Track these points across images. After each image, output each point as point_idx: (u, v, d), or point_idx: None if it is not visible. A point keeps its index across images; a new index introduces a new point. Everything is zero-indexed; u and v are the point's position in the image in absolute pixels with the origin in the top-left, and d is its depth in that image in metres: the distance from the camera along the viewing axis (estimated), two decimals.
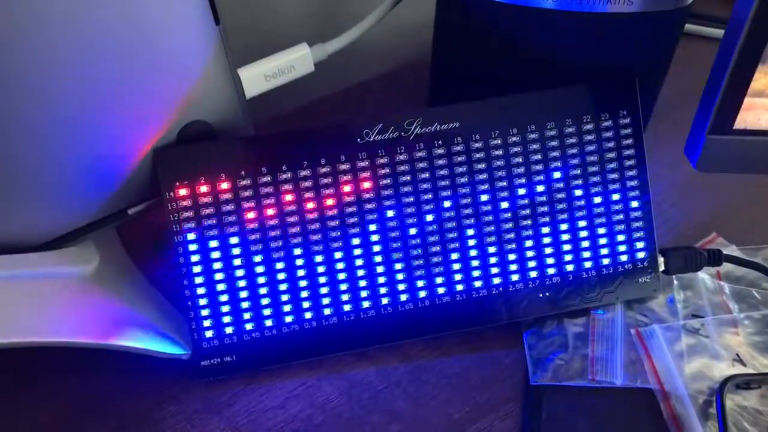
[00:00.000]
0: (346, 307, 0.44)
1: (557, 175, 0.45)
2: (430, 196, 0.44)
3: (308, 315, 0.44)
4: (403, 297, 0.44)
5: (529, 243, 0.45)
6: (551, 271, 0.45)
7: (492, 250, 0.45)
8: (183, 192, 0.41)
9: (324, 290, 0.44)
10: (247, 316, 0.43)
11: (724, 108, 0.39)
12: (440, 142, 0.43)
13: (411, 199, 0.43)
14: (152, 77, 0.38)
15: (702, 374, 0.43)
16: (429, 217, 0.44)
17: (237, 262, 0.42)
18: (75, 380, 0.44)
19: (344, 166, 0.43)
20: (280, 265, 0.43)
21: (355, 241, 0.43)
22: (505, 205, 0.44)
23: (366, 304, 0.44)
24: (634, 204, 0.45)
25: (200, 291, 0.42)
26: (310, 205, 0.43)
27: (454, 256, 0.44)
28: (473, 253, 0.44)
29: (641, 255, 0.46)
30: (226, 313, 0.43)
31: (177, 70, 0.39)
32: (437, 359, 0.45)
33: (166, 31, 0.37)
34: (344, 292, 0.44)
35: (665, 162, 0.51)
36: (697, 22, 0.69)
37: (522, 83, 0.44)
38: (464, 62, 0.50)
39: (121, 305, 0.43)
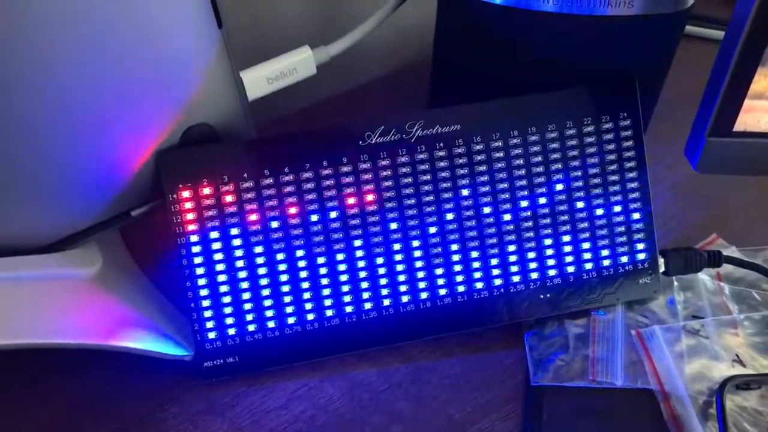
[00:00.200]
0: (348, 309, 0.44)
1: (558, 176, 0.45)
2: (432, 197, 0.44)
3: (310, 316, 0.44)
4: (405, 298, 0.44)
5: (530, 244, 0.45)
6: (552, 272, 0.45)
7: (493, 251, 0.45)
8: (186, 194, 0.42)
9: (326, 291, 0.44)
10: (249, 317, 0.43)
11: (723, 110, 0.39)
12: (441, 144, 0.44)
13: (412, 201, 0.44)
14: (155, 80, 0.38)
15: (702, 375, 0.43)
16: (430, 219, 0.44)
17: (239, 263, 0.43)
18: (77, 381, 0.44)
19: (346, 168, 0.43)
20: (282, 267, 0.43)
21: (357, 242, 0.44)
22: (506, 206, 0.44)
23: (368, 306, 0.44)
24: (635, 205, 0.46)
25: (203, 292, 0.43)
26: (312, 207, 0.43)
27: (456, 257, 0.44)
28: (474, 254, 0.45)
29: (641, 256, 0.46)
30: (228, 315, 0.43)
31: (180, 72, 0.39)
32: (438, 360, 0.45)
33: (168, 34, 0.37)
34: (346, 293, 0.44)
35: (665, 163, 0.51)
36: (698, 24, 0.69)
37: (523, 85, 0.44)
38: (465, 64, 0.51)
39: (124, 307, 0.43)
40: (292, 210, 0.43)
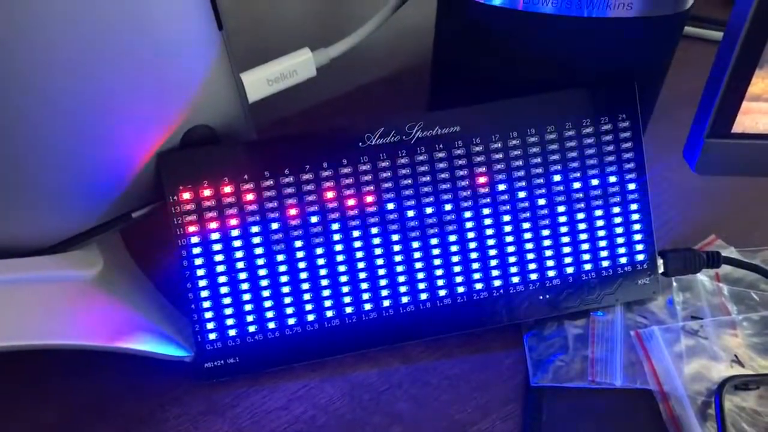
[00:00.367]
0: (348, 309, 0.44)
1: (557, 177, 0.45)
2: (431, 199, 0.44)
3: (311, 317, 0.44)
4: (405, 299, 0.45)
5: (529, 245, 0.45)
6: (551, 273, 0.46)
7: (493, 252, 0.45)
8: (186, 196, 0.42)
9: (326, 292, 0.44)
10: (250, 318, 0.43)
11: (722, 112, 0.39)
12: (441, 145, 0.44)
13: (412, 202, 0.44)
14: (155, 82, 0.38)
15: (701, 375, 0.43)
16: (430, 220, 0.44)
17: (240, 264, 0.43)
18: (78, 382, 0.44)
19: (346, 170, 0.43)
20: (282, 268, 0.43)
21: (357, 243, 0.44)
22: (505, 207, 0.45)
23: (368, 306, 0.44)
24: (634, 206, 0.46)
25: (203, 294, 0.43)
26: (312, 209, 0.43)
27: (456, 258, 0.45)
28: (474, 255, 0.45)
29: (640, 257, 0.46)
30: (229, 316, 0.43)
31: (180, 74, 0.39)
32: (438, 361, 0.45)
33: (169, 37, 0.37)
34: (346, 294, 0.44)
35: (664, 164, 0.52)
36: (697, 25, 0.69)
37: (522, 87, 0.44)
38: (465, 66, 0.51)
39: (124, 308, 0.43)
40: (292, 211, 0.43)
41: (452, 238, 0.44)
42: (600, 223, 0.46)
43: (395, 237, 0.44)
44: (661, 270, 0.47)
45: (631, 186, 0.46)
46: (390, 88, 0.65)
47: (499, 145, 0.44)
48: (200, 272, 0.43)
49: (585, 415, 0.42)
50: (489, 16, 0.47)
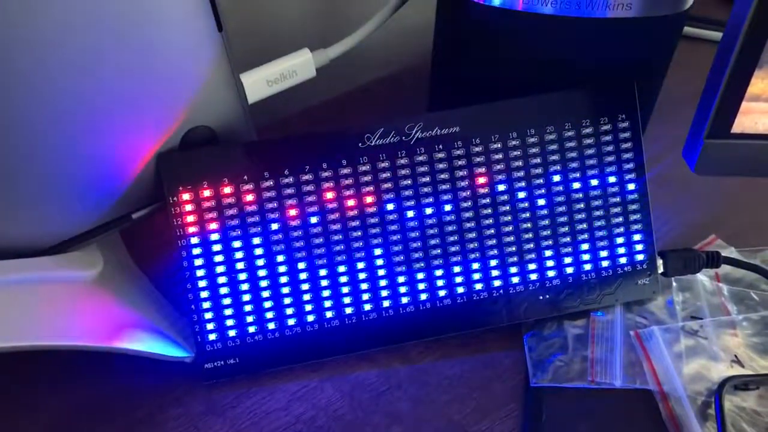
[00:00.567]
0: (348, 310, 0.44)
1: (557, 178, 0.45)
2: (431, 199, 0.44)
3: (310, 318, 0.44)
4: (405, 299, 0.45)
5: (529, 245, 0.45)
6: (551, 273, 0.46)
7: (492, 252, 0.45)
8: (186, 196, 0.42)
9: (326, 293, 0.44)
10: (249, 319, 0.43)
11: (721, 112, 0.39)
12: (441, 146, 0.44)
13: (412, 202, 0.44)
14: (156, 83, 0.38)
15: (700, 375, 0.43)
16: (430, 221, 0.44)
17: (240, 265, 0.43)
18: (78, 383, 0.44)
19: (346, 171, 0.43)
20: (282, 269, 0.43)
21: (357, 244, 0.44)
22: (504, 208, 0.45)
23: (367, 307, 0.44)
24: (633, 206, 0.46)
25: (203, 294, 0.43)
26: (312, 209, 0.43)
27: (455, 258, 0.45)
28: (474, 255, 0.45)
29: (640, 257, 0.46)
30: (229, 316, 0.43)
31: (180, 76, 0.39)
32: (438, 361, 0.45)
33: (169, 38, 0.37)
34: (346, 294, 0.44)
35: (664, 165, 0.52)
36: (696, 25, 0.69)
37: (521, 88, 0.44)
38: (464, 67, 0.51)
39: (124, 309, 0.43)
40: (292, 212, 0.43)
41: (452, 238, 0.44)
42: (600, 223, 0.46)
43: (395, 237, 0.44)
44: (660, 270, 0.47)
45: (631, 186, 0.46)
46: (389, 88, 0.65)
47: (499, 145, 0.44)
48: (200, 273, 0.43)
49: (585, 415, 0.42)
50: (488, 16, 0.47)
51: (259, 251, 0.43)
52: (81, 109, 0.37)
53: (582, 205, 0.45)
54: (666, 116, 0.54)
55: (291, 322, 0.44)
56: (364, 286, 0.44)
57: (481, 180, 0.44)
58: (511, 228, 0.45)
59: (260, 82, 0.45)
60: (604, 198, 0.45)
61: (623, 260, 0.46)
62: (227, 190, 0.42)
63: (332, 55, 0.48)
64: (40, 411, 0.43)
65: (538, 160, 0.45)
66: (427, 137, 0.44)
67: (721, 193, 0.55)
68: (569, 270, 0.46)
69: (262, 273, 0.43)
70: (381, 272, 0.44)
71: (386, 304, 0.44)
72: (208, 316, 0.43)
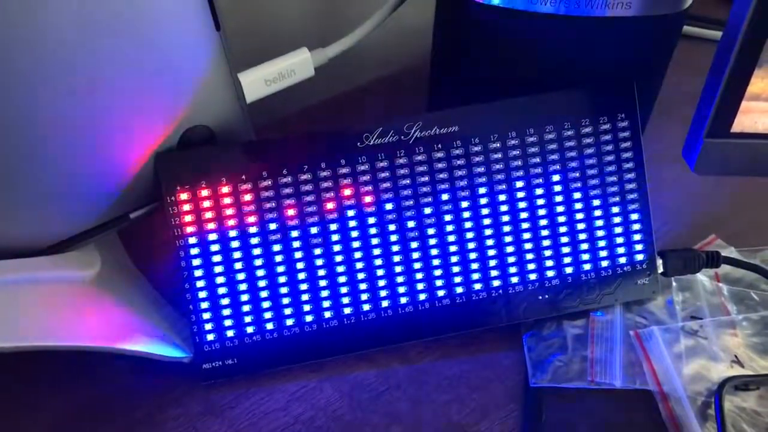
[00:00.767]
0: (347, 310, 0.44)
1: (556, 178, 0.45)
2: (430, 199, 0.44)
3: (309, 318, 0.44)
4: (403, 299, 0.44)
5: (528, 245, 0.45)
6: (550, 273, 0.45)
7: (492, 252, 0.45)
8: (184, 196, 0.42)
9: (324, 293, 0.44)
10: (248, 319, 0.43)
11: (721, 112, 0.39)
12: (440, 145, 0.44)
13: (411, 202, 0.44)
14: (153, 83, 0.38)
15: (700, 376, 0.43)
16: (429, 221, 0.44)
17: (238, 265, 0.43)
18: (76, 384, 0.44)
19: (344, 170, 0.43)
20: (280, 269, 0.43)
21: (356, 244, 0.44)
22: (504, 208, 0.45)
23: (366, 307, 0.44)
24: (633, 206, 0.46)
25: (201, 294, 0.43)
26: (311, 209, 0.43)
27: (454, 258, 0.45)
28: (473, 255, 0.45)
29: (640, 257, 0.46)
30: (227, 316, 0.43)
31: (178, 75, 0.39)
32: (437, 361, 0.45)
33: (167, 37, 0.37)
34: (345, 295, 0.44)
35: (663, 164, 0.51)
36: (696, 24, 0.69)
37: (521, 87, 0.44)
38: (463, 66, 0.51)
39: (122, 309, 0.43)
40: (291, 212, 0.43)
41: (451, 238, 0.44)
42: (599, 222, 0.46)
43: (394, 237, 0.44)
44: (660, 270, 0.47)
45: (630, 186, 0.45)
46: (388, 88, 0.65)
47: (498, 145, 0.44)
48: (198, 273, 0.42)
49: (584, 415, 0.42)
50: (488, 15, 0.46)
51: (257, 251, 0.43)
52: (78, 109, 0.37)
53: (581, 205, 0.45)
54: (665, 115, 0.54)
55: (289, 322, 0.44)
56: (362, 286, 0.44)
57: (480, 179, 0.44)
58: (510, 228, 0.45)
59: (258, 82, 0.45)
60: (603, 197, 0.45)
61: (623, 260, 0.46)
62: (225, 189, 0.42)
63: (331, 54, 0.48)
64: (40, 411, 0.43)
65: (537, 160, 0.44)
66: (426, 137, 0.43)
67: (721, 192, 0.55)
68: (568, 270, 0.46)
69: (260, 273, 0.43)
70: (380, 272, 0.44)
71: (385, 304, 0.44)
72: (207, 316, 0.43)
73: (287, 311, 0.44)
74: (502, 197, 0.44)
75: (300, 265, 0.43)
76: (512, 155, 0.44)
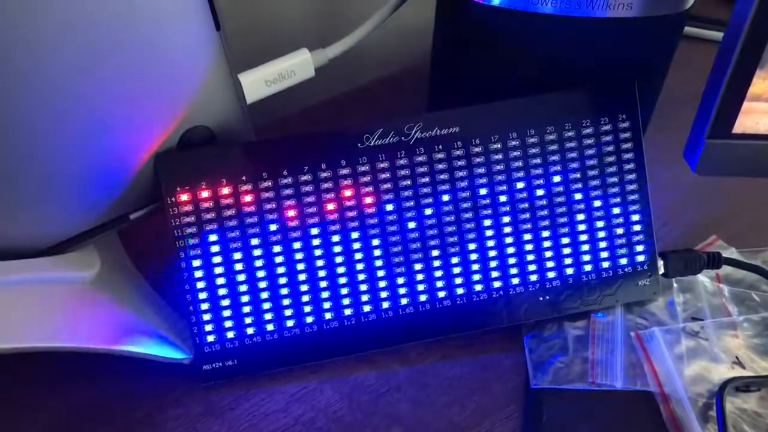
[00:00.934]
0: (347, 311, 0.44)
1: (557, 178, 0.45)
2: (431, 200, 0.44)
3: (309, 319, 0.44)
4: (404, 300, 0.44)
5: (529, 246, 0.45)
6: (551, 274, 0.45)
7: (492, 253, 0.45)
8: (184, 197, 0.42)
9: (325, 294, 0.44)
10: (248, 320, 0.43)
11: (722, 112, 0.39)
12: (440, 146, 0.43)
13: (411, 203, 0.44)
14: (153, 83, 0.38)
15: (701, 377, 0.43)
16: (429, 221, 0.44)
17: (238, 266, 0.43)
18: (75, 385, 0.44)
19: (345, 171, 0.43)
20: (281, 270, 0.43)
21: (356, 245, 0.44)
22: (505, 208, 0.44)
23: (367, 308, 0.44)
24: (634, 207, 0.46)
25: (202, 295, 0.43)
26: (311, 210, 0.43)
27: (455, 259, 0.44)
28: (474, 256, 0.45)
29: (641, 258, 0.46)
30: (227, 318, 0.43)
31: (178, 75, 0.39)
32: (438, 362, 0.45)
33: (166, 38, 0.37)
34: (345, 296, 0.44)
35: (664, 165, 0.51)
36: (697, 25, 0.69)
37: (521, 88, 0.44)
38: (464, 67, 0.51)
39: (122, 310, 0.43)
40: (291, 212, 0.43)
41: (451, 239, 0.44)
42: (600, 223, 0.45)
43: (394, 238, 0.44)
44: (661, 271, 0.46)
45: (631, 186, 0.45)
46: (389, 88, 0.65)
47: (499, 145, 0.44)
48: (198, 274, 0.42)
49: (585, 416, 0.42)
50: (488, 16, 0.46)
51: (257, 252, 0.43)
52: (79, 109, 0.37)
53: (582, 206, 0.45)
54: (667, 116, 0.54)
55: (290, 323, 0.44)
56: (363, 287, 0.44)
57: (481, 180, 0.44)
58: (511, 228, 0.45)
59: (259, 82, 0.44)
60: (604, 198, 0.45)
61: (624, 261, 0.46)
62: (225, 190, 0.42)
63: (331, 55, 0.48)
64: (39, 412, 0.43)
65: (538, 161, 0.44)
66: (426, 137, 0.43)
67: (722, 193, 0.55)
68: (569, 271, 0.45)
69: (260, 274, 0.43)
70: (380, 273, 0.44)
71: (385, 305, 0.44)
72: (207, 317, 0.43)
73: (287, 312, 0.43)
74: (502, 198, 0.44)
75: (300, 266, 0.43)
76: (513, 156, 0.44)
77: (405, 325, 0.45)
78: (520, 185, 0.44)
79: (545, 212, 0.45)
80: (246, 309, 0.43)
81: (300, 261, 0.43)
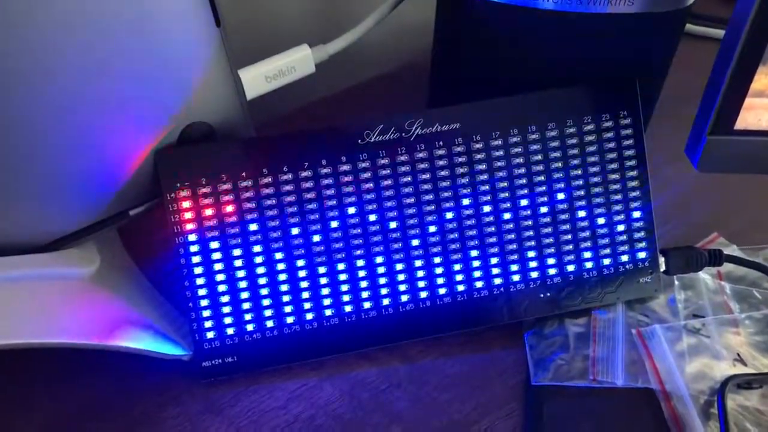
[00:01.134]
0: (347, 308, 0.44)
1: (558, 175, 0.45)
2: (431, 196, 0.44)
3: (309, 316, 0.44)
4: (404, 297, 0.44)
5: (530, 243, 0.45)
6: (552, 271, 0.45)
7: (493, 250, 0.45)
8: (184, 193, 0.42)
9: (325, 291, 0.44)
10: (248, 317, 0.43)
11: (724, 108, 0.39)
12: (441, 142, 0.43)
13: (412, 199, 0.44)
14: (153, 79, 0.38)
15: (703, 374, 0.43)
16: (430, 218, 0.44)
17: (238, 263, 0.43)
18: (75, 381, 0.44)
19: (345, 167, 0.43)
20: (281, 266, 0.43)
21: (356, 241, 0.43)
22: (505, 205, 0.44)
23: (367, 305, 0.44)
24: (635, 204, 0.45)
25: (201, 292, 0.42)
26: (311, 206, 0.43)
27: (455, 256, 0.44)
28: (474, 253, 0.44)
29: (642, 255, 0.46)
30: (227, 314, 0.43)
31: (178, 71, 0.39)
32: (438, 360, 0.45)
33: (167, 34, 0.37)
34: (345, 293, 0.44)
35: (666, 162, 0.51)
36: (698, 23, 0.69)
37: (522, 84, 0.44)
38: (464, 63, 0.50)
39: (122, 306, 0.43)
40: (291, 209, 0.43)
41: (452, 235, 0.44)
42: (601, 221, 0.45)
43: (395, 235, 0.44)
44: (662, 268, 0.46)
45: (633, 183, 0.45)
46: (389, 84, 0.65)
47: (500, 142, 0.44)
48: (198, 270, 0.42)
49: (586, 414, 0.42)
50: (489, 12, 0.46)
51: (257, 248, 0.43)
52: (78, 105, 0.37)
53: (583, 203, 0.45)
54: (668, 113, 0.54)
55: (290, 320, 0.43)
56: (363, 284, 0.44)
57: (482, 177, 0.44)
58: (511, 225, 0.45)
59: (259, 78, 0.44)
60: (605, 195, 0.45)
61: (625, 258, 0.46)
62: (225, 186, 0.42)
63: (331, 51, 0.48)
64: (36, 410, 0.43)
65: (539, 157, 0.44)
66: (427, 134, 0.43)
67: (724, 190, 0.55)
68: (570, 268, 0.45)
69: (260, 270, 0.43)
70: (380, 270, 0.44)
71: (386, 302, 0.44)
72: (206, 314, 0.43)
73: (287, 309, 0.43)
74: (503, 195, 0.44)
75: (300, 263, 0.43)
76: (514, 152, 0.44)
77: (405, 322, 0.44)
78: (521, 182, 0.44)
79: (546, 209, 0.45)
80: (246, 305, 0.43)
81: (300, 257, 0.43)
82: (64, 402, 0.43)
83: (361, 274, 0.44)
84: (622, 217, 0.45)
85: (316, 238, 0.43)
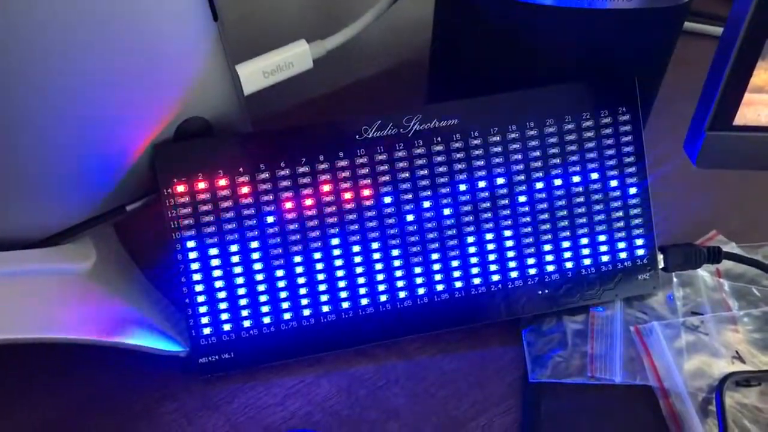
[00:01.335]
0: (345, 305, 0.44)
1: (556, 171, 0.44)
2: (429, 192, 0.43)
3: (306, 312, 0.43)
4: (402, 294, 0.44)
5: (528, 240, 0.45)
6: (550, 268, 0.45)
7: (491, 246, 0.44)
8: (181, 188, 0.41)
9: (322, 287, 0.43)
10: (245, 313, 0.43)
11: (723, 104, 0.39)
12: (439, 138, 0.43)
13: (410, 195, 0.43)
14: (150, 74, 0.38)
15: (701, 371, 0.43)
16: (428, 214, 0.44)
17: (235, 259, 0.42)
18: (71, 377, 0.44)
19: (343, 163, 0.43)
20: (278, 262, 0.43)
21: (354, 237, 0.43)
22: (503, 201, 0.44)
23: (364, 302, 0.44)
24: (633, 201, 0.45)
25: (198, 288, 0.42)
26: (309, 202, 0.43)
27: (453, 252, 0.44)
28: (472, 249, 0.44)
29: (640, 252, 0.46)
30: (224, 311, 0.43)
31: (175, 66, 0.38)
32: (436, 356, 0.45)
33: (164, 28, 0.37)
34: (342, 289, 0.44)
35: (664, 159, 0.51)
36: (697, 20, 0.69)
37: (521, 80, 0.44)
38: (463, 59, 0.50)
39: (118, 302, 0.43)
40: (288, 204, 0.42)
41: (450, 232, 0.44)
42: (599, 217, 0.45)
43: (392, 231, 0.44)
44: (661, 265, 0.46)
45: (631, 180, 0.45)
46: (387, 80, 0.65)
47: (498, 138, 0.44)
48: (194, 266, 0.42)
49: (584, 411, 0.42)
50: (487, 8, 0.46)
51: (254, 244, 0.42)
52: (75, 100, 0.36)
53: (582, 199, 0.45)
54: (667, 110, 0.54)
55: (287, 316, 0.43)
56: (360, 280, 0.44)
57: (480, 173, 0.44)
58: (509, 222, 0.44)
59: (256, 74, 0.44)
60: (604, 192, 0.45)
61: (623, 255, 0.46)
62: (222, 182, 0.42)
63: (329, 46, 0.48)
64: (34, 406, 0.42)
65: (537, 153, 0.44)
66: (425, 129, 0.43)
67: (723, 187, 0.55)
68: (568, 264, 0.45)
69: (257, 266, 0.43)
70: (378, 266, 0.44)
71: (383, 298, 0.44)
72: (203, 309, 0.43)
73: (285, 305, 0.43)
74: (501, 191, 0.44)
75: (297, 259, 0.43)
76: (512, 148, 0.44)
77: (403, 319, 0.44)
78: (519, 178, 0.44)
79: (544, 205, 0.45)
80: (243, 301, 0.43)
81: (297, 253, 0.43)
82: (62, 398, 0.43)
83: (359, 270, 0.44)
84: (620, 213, 0.45)
85: (313, 234, 0.43)
